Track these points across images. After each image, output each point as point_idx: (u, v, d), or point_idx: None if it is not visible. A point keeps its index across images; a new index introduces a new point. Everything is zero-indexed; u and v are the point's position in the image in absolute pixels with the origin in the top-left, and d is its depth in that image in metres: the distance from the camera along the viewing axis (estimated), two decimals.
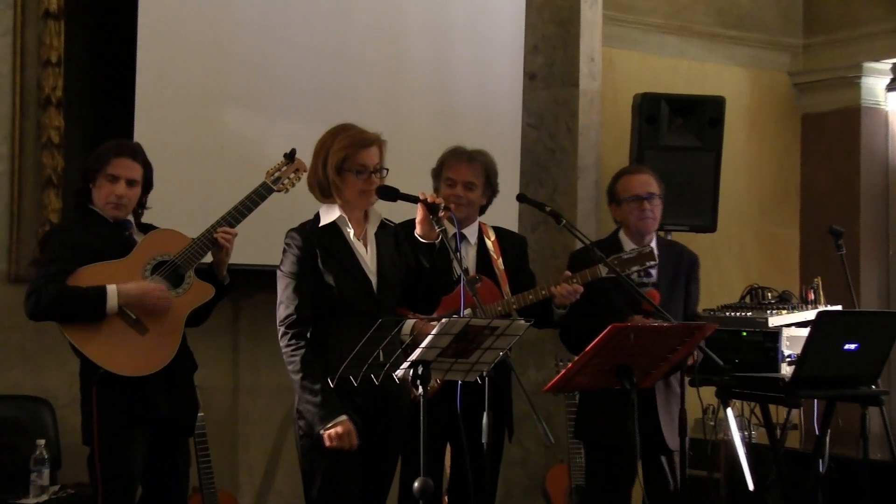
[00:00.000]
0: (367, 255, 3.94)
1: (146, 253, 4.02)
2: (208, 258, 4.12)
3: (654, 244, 4.74)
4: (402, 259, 4.03)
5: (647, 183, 4.74)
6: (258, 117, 5.34)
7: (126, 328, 3.93)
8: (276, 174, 4.14)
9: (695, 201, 6.22)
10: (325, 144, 3.92)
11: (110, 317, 3.91)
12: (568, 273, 4.49)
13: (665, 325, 3.93)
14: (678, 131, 6.26)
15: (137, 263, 4.00)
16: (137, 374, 3.92)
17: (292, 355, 3.79)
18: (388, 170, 3.96)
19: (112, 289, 3.90)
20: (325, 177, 3.89)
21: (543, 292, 4.45)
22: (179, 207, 4.84)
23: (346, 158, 3.88)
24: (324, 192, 3.92)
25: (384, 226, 4.03)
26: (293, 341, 3.80)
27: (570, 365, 3.89)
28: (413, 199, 3.95)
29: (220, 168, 5.24)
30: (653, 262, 4.49)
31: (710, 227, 6.27)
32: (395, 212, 4.66)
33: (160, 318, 3.97)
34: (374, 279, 3.91)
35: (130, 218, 4.10)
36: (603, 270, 4.45)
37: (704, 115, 6.26)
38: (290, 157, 4.14)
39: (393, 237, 4.05)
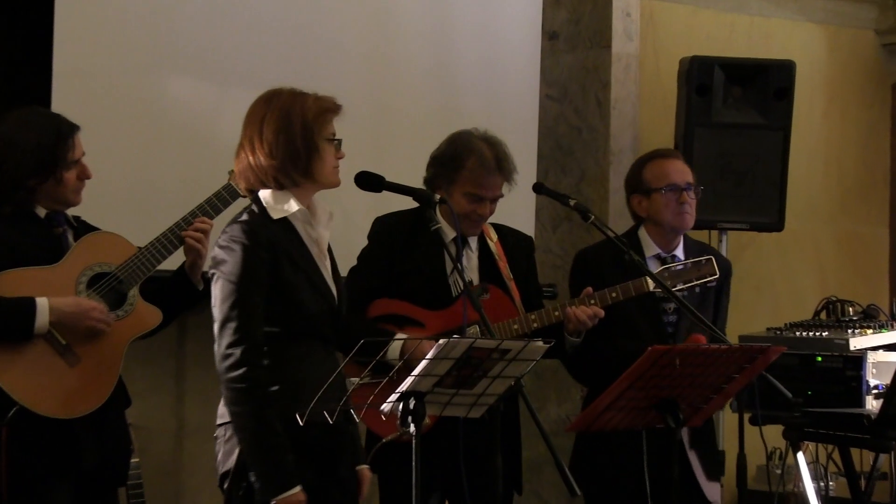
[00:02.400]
0: (327, 263, 3.92)
1: (81, 261, 4.01)
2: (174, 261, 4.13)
3: (681, 247, 4.84)
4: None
5: (685, 171, 4.88)
6: (208, 87, 5.35)
7: (53, 356, 3.92)
8: None
9: (757, 193, 6.23)
10: (294, 109, 3.80)
11: (35, 340, 3.89)
12: (589, 290, 4.53)
13: (718, 347, 3.95)
14: (736, 105, 6.28)
15: (70, 273, 3.99)
16: (64, 415, 3.91)
17: (247, 394, 3.65)
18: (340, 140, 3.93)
19: (43, 302, 3.88)
20: (306, 148, 3.75)
21: (556, 313, 4.48)
22: (110, 198, 4.86)
23: (325, 125, 3.84)
24: (298, 171, 3.82)
25: None
26: (250, 376, 3.65)
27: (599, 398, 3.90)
28: (402, 190, 3.97)
29: (162, 149, 5.25)
30: (714, 277, 4.55)
31: (777, 225, 6.28)
32: (382, 206, 4.68)
33: (95, 347, 3.97)
34: (335, 294, 3.89)
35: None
36: (648, 285, 4.49)
37: (769, 85, 6.27)
38: None
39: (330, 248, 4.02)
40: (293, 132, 3.78)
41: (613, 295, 4.53)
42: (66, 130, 4.03)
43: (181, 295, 4.18)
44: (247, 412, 3.66)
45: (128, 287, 4.03)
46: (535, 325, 4.46)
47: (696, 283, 4.57)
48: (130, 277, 4.03)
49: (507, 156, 4.55)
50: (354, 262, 4.60)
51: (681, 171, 4.86)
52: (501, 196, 4.57)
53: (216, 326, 3.73)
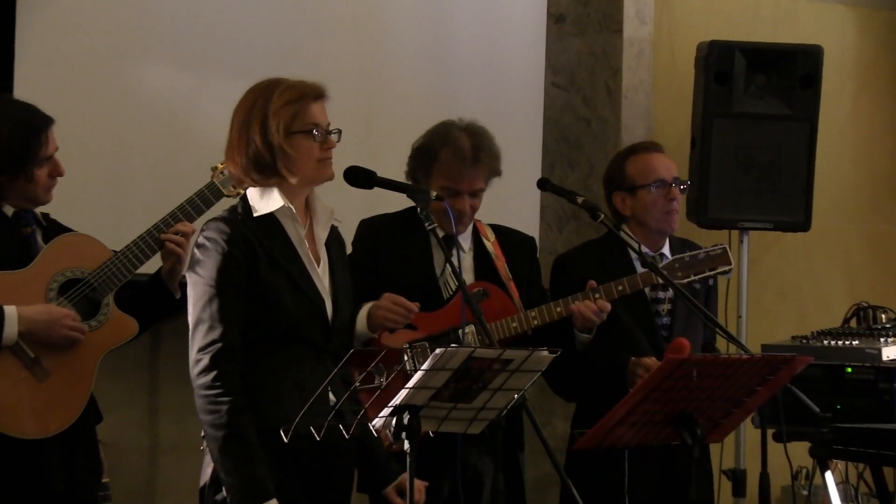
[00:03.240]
0: (320, 267, 3.91)
1: (52, 265, 4.00)
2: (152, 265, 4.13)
3: (667, 245, 4.88)
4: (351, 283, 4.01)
5: (671, 165, 4.93)
6: (187, 74, 5.35)
7: (20, 370, 3.92)
8: (226, 171, 4.10)
9: (781, 189, 6.24)
10: (257, 104, 3.82)
11: (2, 352, 3.88)
12: (593, 283, 4.55)
13: (739, 357, 3.95)
14: (759, 94, 6.28)
15: (40, 278, 3.98)
16: (32, 436, 3.91)
17: (217, 401, 3.68)
18: (340, 131, 3.92)
19: (11, 311, 3.88)
20: (267, 147, 3.77)
21: (558, 309, 4.50)
22: (82, 196, 4.85)
23: (294, 117, 3.83)
24: (265, 171, 3.84)
25: (333, 228, 3.98)
26: (220, 381, 3.68)
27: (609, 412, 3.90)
28: (395, 187, 3.97)
29: (137, 142, 5.25)
30: (729, 268, 4.56)
31: (803, 224, 6.28)
32: (376, 204, 4.68)
33: (66, 361, 3.96)
34: (328, 300, 3.88)
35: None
36: (655, 277, 4.52)
37: (795, 72, 6.26)
38: None
39: (340, 249, 4.02)
40: (252, 131, 3.80)
41: (620, 288, 4.55)
42: (40, 124, 4.02)
43: (156, 303, 4.18)
44: (216, 421, 3.69)
45: (101, 295, 4.03)
46: (536, 322, 4.49)
47: (709, 274, 4.59)
48: (105, 285, 4.02)
49: (489, 147, 4.57)
50: None
51: (667, 166, 4.91)
52: (482, 190, 4.58)
53: (190, 330, 3.77)
